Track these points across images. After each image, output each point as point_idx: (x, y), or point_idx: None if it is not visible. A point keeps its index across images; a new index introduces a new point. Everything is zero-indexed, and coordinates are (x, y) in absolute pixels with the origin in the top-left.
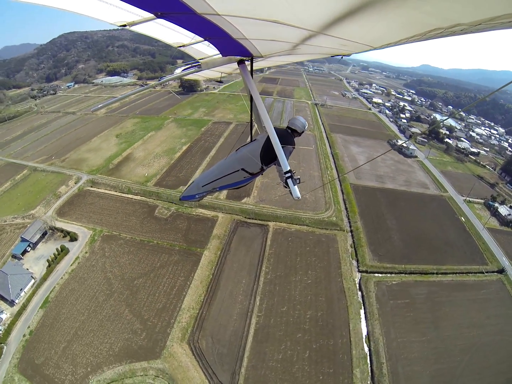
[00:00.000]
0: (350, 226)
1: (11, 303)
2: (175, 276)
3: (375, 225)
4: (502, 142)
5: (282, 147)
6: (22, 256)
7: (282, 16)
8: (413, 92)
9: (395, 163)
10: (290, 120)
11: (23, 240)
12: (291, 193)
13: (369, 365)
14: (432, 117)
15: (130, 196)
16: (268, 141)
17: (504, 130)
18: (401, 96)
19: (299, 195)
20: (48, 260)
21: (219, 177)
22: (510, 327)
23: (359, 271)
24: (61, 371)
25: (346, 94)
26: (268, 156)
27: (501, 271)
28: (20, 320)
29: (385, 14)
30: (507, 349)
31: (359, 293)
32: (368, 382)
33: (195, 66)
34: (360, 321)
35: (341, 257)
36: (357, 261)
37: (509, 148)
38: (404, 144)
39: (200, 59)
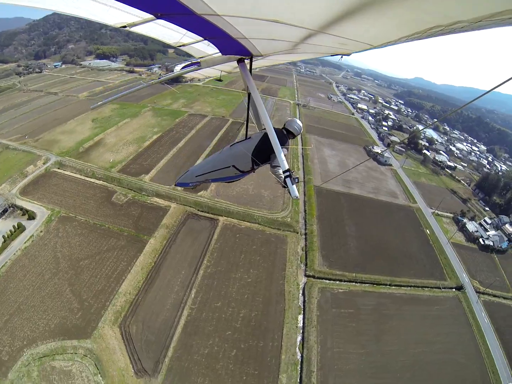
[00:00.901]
0: (305, 229)
1: None
2: (118, 260)
3: (332, 230)
4: (481, 159)
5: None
6: None
7: (281, 15)
8: (402, 102)
9: (367, 169)
10: (287, 122)
11: None
12: (289, 192)
13: (298, 372)
14: (414, 127)
15: (93, 180)
16: (261, 141)
17: (485, 148)
18: (388, 105)
19: (297, 194)
20: (3, 236)
21: (211, 170)
22: (461, 347)
23: (305, 275)
24: (0, 342)
25: (332, 97)
26: (260, 156)
27: (459, 288)
28: None
29: (384, 12)
30: (454, 369)
31: (301, 298)
32: None
33: (194, 64)
34: (296, 327)
35: (288, 259)
36: (306, 265)
37: (487, 166)
38: (380, 151)
39: (200, 57)
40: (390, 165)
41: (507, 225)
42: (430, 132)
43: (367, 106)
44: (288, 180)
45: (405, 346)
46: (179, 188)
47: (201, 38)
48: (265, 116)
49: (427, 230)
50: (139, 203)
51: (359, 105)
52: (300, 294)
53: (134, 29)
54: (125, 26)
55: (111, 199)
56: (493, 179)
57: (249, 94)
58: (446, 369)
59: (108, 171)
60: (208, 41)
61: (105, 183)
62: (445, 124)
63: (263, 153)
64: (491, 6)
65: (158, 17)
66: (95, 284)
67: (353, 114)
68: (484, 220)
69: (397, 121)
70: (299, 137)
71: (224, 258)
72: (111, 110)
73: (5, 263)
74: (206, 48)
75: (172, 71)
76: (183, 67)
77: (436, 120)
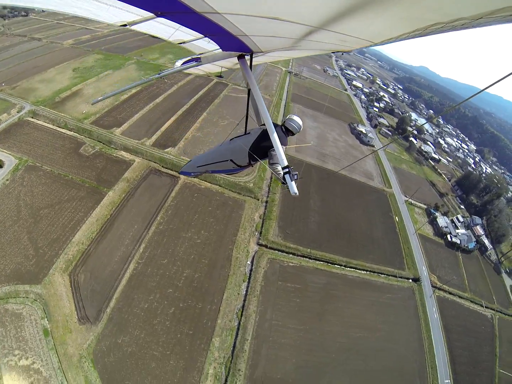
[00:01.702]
0: (267, 197)
1: None
2: (76, 211)
3: (295, 202)
4: (468, 158)
5: (271, 147)
6: None
7: (282, 12)
8: (400, 87)
9: (347, 146)
10: (286, 119)
11: None
12: (288, 189)
13: (233, 338)
14: (407, 114)
15: (64, 131)
16: (260, 137)
17: (475, 148)
18: (385, 87)
19: (296, 191)
20: None
21: (211, 162)
22: (404, 338)
23: (258, 243)
24: None
25: (327, 70)
26: (257, 152)
27: (416, 279)
28: None
29: (385, 9)
30: (392, 358)
31: (249, 265)
32: (226, 354)
33: (195, 60)
34: (238, 294)
35: (242, 225)
36: (260, 233)
37: (472, 165)
38: (364, 131)
39: (200, 54)
40: (373, 146)
41: (478, 227)
42: (422, 121)
43: (363, 85)
44: (287, 176)
45: (347, 329)
46: (147, 143)
47: (201, 36)
48: (264, 112)
49: (396, 217)
50: (105, 155)
51: (354, 82)
52: (248, 262)
53: (134, 27)
54: (125, 25)
55: (78, 150)
56: (475, 179)
57: (249, 90)
58: (384, 357)
59: (80, 122)
60: (209, 38)
61: (76, 134)
62: (439, 116)
63: (260, 149)
64: (492, 3)
65: (158, 16)
66: (51, 233)
67: (346, 90)
68: (457, 218)
69: (390, 104)
70: (284, 104)
71: (178, 217)
72: (94, 60)
73: None
74: (206, 45)
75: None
76: (183, 63)
77: (435, 116)
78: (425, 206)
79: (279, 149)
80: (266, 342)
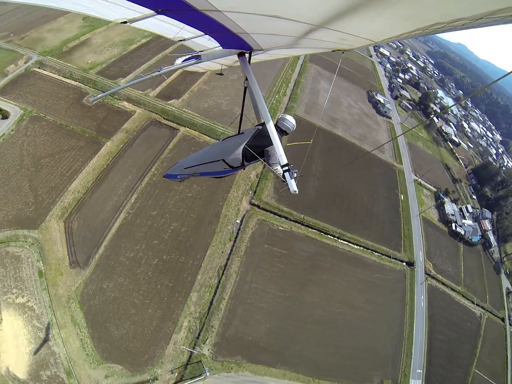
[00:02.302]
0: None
1: None
2: (74, 160)
3: (296, 164)
4: (491, 147)
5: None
6: None
7: (282, 10)
8: (432, 62)
9: (362, 114)
10: (279, 118)
11: None
12: (288, 186)
13: (211, 295)
14: (433, 90)
15: (69, 81)
16: (254, 137)
17: (500, 139)
18: (415, 59)
19: (296, 189)
20: None
21: (200, 163)
22: (385, 321)
23: (250, 203)
24: None
25: None
26: (250, 153)
27: (410, 264)
28: None
29: (385, 8)
30: (368, 339)
31: (237, 224)
32: (202, 309)
33: (195, 57)
34: (222, 252)
35: (236, 183)
36: (254, 193)
37: (494, 156)
38: (382, 101)
39: (200, 51)
40: (390, 117)
41: (486, 221)
42: (448, 100)
43: (390, 53)
44: (287, 174)
45: (328, 302)
46: (151, 94)
47: (201, 33)
48: (264, 110)
49: (402, 196)
50: (107, 106)
51: (382, 50)
52: (237, 221)
53: (134, 25)
54: (125, 22)
55: (81, 100)
56: (493, 170)
57: (245, 88)
58: (360, 337)
59: (86, 72)
60: (209, 35)
61: (80, 84)
62: (468, 99)
63: (254, 150)
64: (492, 4)
65: (158, 13)
66: (50, 181)
67: (371, 56)
68: (466, 207)
69: (416, 77)
70: (301, 63)
71: None
72: None
73: None
74: (206, 42)
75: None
76: (183, 60)
77: (463, 97)
78: (434, 189)
79: (279, 147)
80: (243, 303)
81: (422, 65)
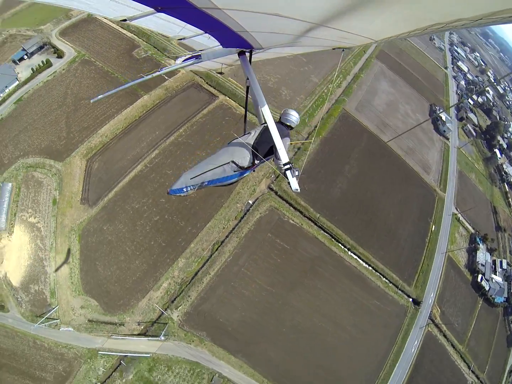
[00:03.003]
0: (302, 144)
1: None
2: (110, 106)
3: (328, 160)
4: None
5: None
6: (19, 62)
7: (283, 8)
8: None
9: (418, 127)
10: (282, 114)
11: (23, 49)
12: (289, 184)
13: (198, 266)
14: (506, 122)
15: (125, 32)
16: (261, 134)
17: None
18: (494, 83)
19: (297, 187)
20: (32, 69)
21: (208, 170)
22: (365, 352)
23: (268, 187)
24: (6, 149)
25: (434, 39)
26: (260, 151)
27: (417, 302)
28: None
29: (386, 8)
30: (339, 364)
31: (249, 205)
32: (185, 277)
33: (195, 57)
34: (223, 228)
35: (260, 166)
36: (276, 178)
37: None
38: (444, 118)
39: (201, 50)
40: (447, 138)
41: None
42: None
43: (468, 69)
44: (288, 172)
45: (312, 312)
46: None
47: (201, 32)
48: (265, 109)
49: (433, 226)
50: (154, 61)
51: (460, 64)
52: (250, 201)
53: (134, 22)
54: (125, 20)
55: (131, 52)
56: None
57: (247, 87)
58: (332, 358)
59: None
60: (209, 34)
61: (134, 36)
62: None
63: (264, 147)
64: (491, 5)
65: (158, 11)
66: (84, 122)
67: (446, 68)
68: (500, 262)
69: (491, 103)
70: (366, 58)
71: (200, 134)
72: None
73: (28, 91)
74: (206, 41)
75: None
76: (183, 60)
77: None
78: (472, 230)
79: (280, 146)
80: (226, 284)
81: (502, 91)
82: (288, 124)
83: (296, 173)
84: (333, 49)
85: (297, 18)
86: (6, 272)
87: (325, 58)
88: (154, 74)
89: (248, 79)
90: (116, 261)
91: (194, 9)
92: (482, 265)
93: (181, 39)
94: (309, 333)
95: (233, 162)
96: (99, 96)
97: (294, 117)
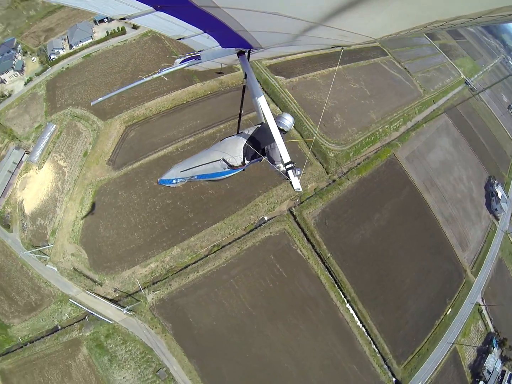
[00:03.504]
0: (339, 177)
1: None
2: (163, 84)
3: (360, 202)
4: None
5: (267, 144)
6: (98, 23)
7: (281, 7)
8: None
9: (467, 195)
10: (277, 117)
11: None
12: (291, 184)
13: (190, 261)
14: None
15: None
16: (253, 136)
17: None
18: None
19: (299, 186)
20: (108, 32)
21: (198, 165)
22: None
23: (289, 209)
24: (62, 95)
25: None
26: (251, 151)
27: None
28: (68, 59)
29: (385, 5)
30: None
31: (262, 220)
32: (174, 266)
33: (195, 57)
34: (229, 234)
35: (288, 183)
36: (300, 203)
37: None
38: (500, 196)
39: (200, 50)
40: (497, 219)
41: None
42: None
43: None
44: (290, 172)
45: (282, 350)
46: (264, 62)
47: (201, 31)
48: (265, 108)
49: (450, 310)
50: None
51: None
52: (265, 217)
53: (133, 21)
54: (124, 18)
55: None
56: None
57: (244, 87)
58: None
59: None
60: (208, 34)
61: None
62: None
63: (256, 147)
64: (490, 3)
65: (157, 9)
66: (136, 92)
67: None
68: (510, 375)
69: None
70: (431, 107)
71: None
72: None
73: (97, 50)
74: (205, 41)
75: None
76: (182, 61)
77: None
78: (492, 329)
79: (282, 145)
80: (210, 289)
81: None
82: (281, 127)
83: (298, 172)
84: (333, 47)
85: (296, 17)
86: (24, 199)
87: (390, 97)
88: (154, 76)
89: (245, 78)
90: (118, 227)
91: (193, 8)
92: (489, 372)
93: (180, 38)
94: (271, 370)
95: (223, 160)
96: (99, 99)
97: (287, 121)
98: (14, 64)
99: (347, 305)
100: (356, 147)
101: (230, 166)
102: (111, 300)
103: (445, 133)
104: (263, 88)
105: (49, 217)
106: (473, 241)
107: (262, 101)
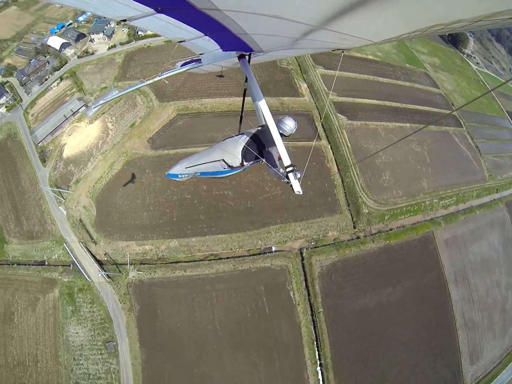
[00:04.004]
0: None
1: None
2: (226, 87)
3: (376, 269)
4: None
5: (265, 147)
6: None
7: (282, 10)
8: None
9: (501, 302)
10: (278, 121)
11: None
12: (291, 187)
13: (183, 258)
14: None
15: None
16: (253, 138)
17: None
18: None
19: (300, 189)
20: None
21: (201, 163)
22: None
23: (300, 249)
24: (134, 69)
25: None
26: (250, 153)
27: None
28: (152, 38)
29: (385, 9)
30: None
31: (268, 249)
32: (168, 257)
33: (195, 61)
34: (230, 249)
35: (311, 223)
36: (315, 247)
37: None
38: None
39: (201, 54)
40: None
41: None
42: None
43: None
44: (291, 175)
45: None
46: (331, 96)
47: (201, 34)
48: (266, 111)
49: None
50: (288, 74)
51: None
52: (272, 246)
53: (134, 23)
54: (125, 20)
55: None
56: None
57: (244, 90)
58: None
59: None
60: (209, 36)
61: None
62: None
63: (254, 149)
64: (491, 6)
65: (158, 11)
66: (198, 85)
67: None
68: None
69: None
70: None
71: None
72: None
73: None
74: (206, 44)
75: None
76: (183, 64)
77: None
78: None
79: (283, 148)
80: (188, 292)
81: None
82: (281, 132)
83: (298, 175)
84: (333, 50)
85: (297, 21)
86: (66, 144)
87: (451, 171)
88: (156, 79)
89: (246, 81)
90: (132, 200)
91: (194, 10)
92: None
93: (181, 41)
94: None
95: (223, 160)
96: (100, 102)
97: (288, 126)
98: (105, 29)
99: (318, 368)
100: (395, 212)
101: (229, 166)
102: (97, 261)
103: (499, 228)
104: (321, 120)
105: (80, 167)
106: (487, 357)
107: (262, 104)
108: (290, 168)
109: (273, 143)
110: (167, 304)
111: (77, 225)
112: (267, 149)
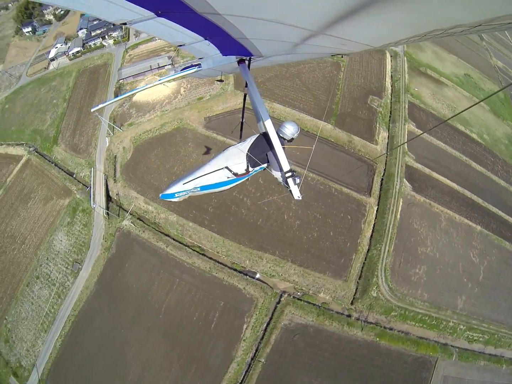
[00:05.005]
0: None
1: None
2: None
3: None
4: None
5: (268, 150)
6: None
7: (283, 16)
8: None
9: None
10: (280, 125)
11: None
12: (291, 192)
13: (190, 243)
14: None
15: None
16: (257, 142)
17: None
18: None
19: (299, 195)
20: None
21: (201, 175)
22: None
23: (283, 292)
24: None
25: None
26: (255, 158)
27: None
28: None
29: (385, 14)
30: None
31: (253, 274)
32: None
33: (195, 65)
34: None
35: (325, 284)
36: (300, 298)
37: None
38: None
39: (200, 58)
40: None
41: None
42: None
43: None
44: (290, 180)
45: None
46: (409, 161)
47: (201, 38)
48: (266, 116)
49: None
50: (377, 115)
51: None
52: (258, 274)
53: (134, 26)
54: (125, 23)
55: (368, 96)
56: None
57: (245, 95)
58: None
59: None
60: (209, 41)
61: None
62: None
63: (258, 154)
64: (490, 11)
65: (158, 15)
66: (275, 89)
67: None
68: None
69: None
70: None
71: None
72: None
73: None
74: (206, 48)
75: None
76: (183, 69)
77: None
78: None
79: (282, 154)
80: (159, 265)
81: None
82: (282, 136)
83: (298, 180)
84: (332, 56)
85: (297, 26)
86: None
87: (500, 303)
88: (156, 83)
89: (246, 86)
90: (162, 163)
91: (194, 14)
92: None
93: (181, 45)
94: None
95: (227, 168)
96: (99, 105)
97: (288, 130)
98: None
99: None
100: (407, 313)
101: (234, 174)
102: (108, 195)
103: None
104: (382, 180)
105: (138, 114)
106: None
107: (262, 109)
108: (289, 174)
109: (273, 148)
110: (136, 263)
111: (110, 159)
112: (268, 154)
